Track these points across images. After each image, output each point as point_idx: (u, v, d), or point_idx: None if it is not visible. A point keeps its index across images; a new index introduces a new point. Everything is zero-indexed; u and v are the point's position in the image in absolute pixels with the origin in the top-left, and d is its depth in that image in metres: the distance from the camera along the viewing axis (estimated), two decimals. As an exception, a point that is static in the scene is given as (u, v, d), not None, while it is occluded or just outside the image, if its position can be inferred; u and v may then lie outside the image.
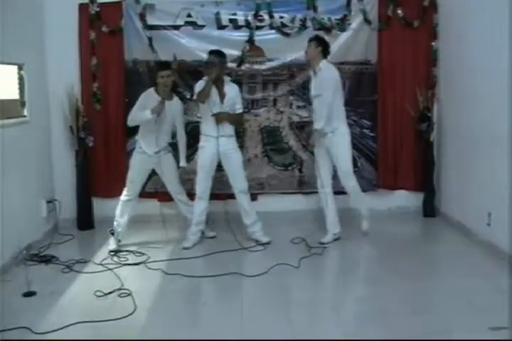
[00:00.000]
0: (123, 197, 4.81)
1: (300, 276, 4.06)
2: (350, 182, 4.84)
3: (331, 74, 4.64)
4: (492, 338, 2.93)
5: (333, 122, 4.68)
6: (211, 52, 4.71)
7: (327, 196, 4.89)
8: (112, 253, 4.58)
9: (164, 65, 4.85)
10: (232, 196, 5.01)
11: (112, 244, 4.71)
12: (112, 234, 4.75)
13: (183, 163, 4.91)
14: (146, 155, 4.73)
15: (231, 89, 4.73)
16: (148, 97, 4.65)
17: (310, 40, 4.77)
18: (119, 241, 4.74)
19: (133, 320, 3.31)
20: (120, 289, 3.76)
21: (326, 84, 4.59)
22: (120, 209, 4.80)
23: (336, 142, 4.72)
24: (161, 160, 4.77)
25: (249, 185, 4.97)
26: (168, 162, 4.84)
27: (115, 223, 4.78)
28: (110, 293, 3.70)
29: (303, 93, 5.60)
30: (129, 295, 3.66)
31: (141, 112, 4.57)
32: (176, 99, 4.82)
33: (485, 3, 4.53)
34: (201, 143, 4.79)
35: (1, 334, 3.10)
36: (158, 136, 4.69)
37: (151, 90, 4.71)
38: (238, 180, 4.79)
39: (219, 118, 4.65)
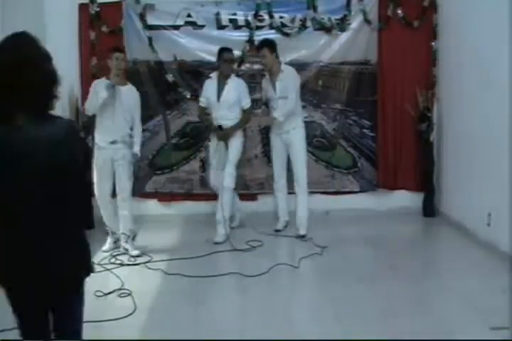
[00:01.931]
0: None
1: (300, 276, 4.06)
2: (304, 180, 4.99)
3: (295, 75, 4.90)
4: (492, 338, 2.93)
5: (295, 119, 4.90)
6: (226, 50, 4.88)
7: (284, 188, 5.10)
8: (106, 253, 4.57)
9: (118, 49, 4.59)
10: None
11: (106, 245, 4.70)
12: (107, 233, 4.74)
13: (136, 149, 4.55)
14: (101, 150, 4.48)
15: (232, 87, 4.82)
16: (100, 84, 4.43)
17: (260, 47, 4.84)
18: (115, 241, 4.71)
19: (133, 320, 3.31)
20: (120, 289, 3.76)
21: (292, 85, 4.82)
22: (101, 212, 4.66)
23: (296, 138, 4.92)
24: (118, 152, 4.47)
25: (248, 185, 5.00)
26: (125, 155, 4.52)
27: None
28: (110, 293, 3.71)
29: (303, 93, 5.60)
30: (129, 295, 3.66)
31: (95, 95, 4.37)
32: (130, 87, 4.56)
33: (485, 3, 4.53)
34: None
35: (1, 334, 3.09)
36: (113, 124, 4.42)
37: (102, 78, 4.52)
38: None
39: (221, 137, 4.87)
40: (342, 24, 5.51)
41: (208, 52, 5.42)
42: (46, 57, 1.83)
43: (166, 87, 5.53)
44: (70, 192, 1.85)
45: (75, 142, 1.90)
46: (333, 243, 4.77)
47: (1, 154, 1.74)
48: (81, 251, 1.96)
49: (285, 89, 4.79)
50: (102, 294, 3.67)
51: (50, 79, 1.80)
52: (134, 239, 4.67)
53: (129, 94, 4.54)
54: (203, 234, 5.07)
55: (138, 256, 4.50)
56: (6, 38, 1.80)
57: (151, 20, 5.43)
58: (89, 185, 2.16)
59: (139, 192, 5.32)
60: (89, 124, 4.78)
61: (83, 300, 2.04)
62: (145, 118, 5.44)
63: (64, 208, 1.85)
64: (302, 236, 4.89)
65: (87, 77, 5.42)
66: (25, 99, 1.76)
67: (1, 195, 1.78)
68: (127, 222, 4.57)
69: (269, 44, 4.84)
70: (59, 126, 1.83)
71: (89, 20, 5.38)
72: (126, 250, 4.56)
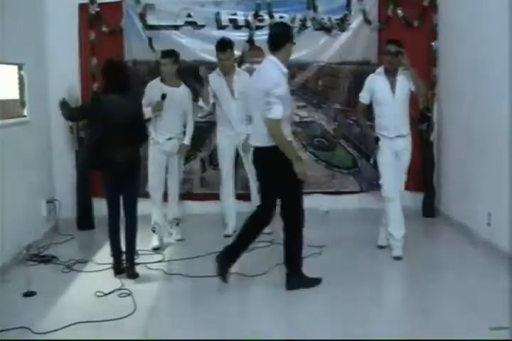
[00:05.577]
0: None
1: (300, 276, 4.04)
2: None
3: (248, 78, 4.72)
4: (492, 338, 2.93)
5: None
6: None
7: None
8: (156, 250, 4.64)
9: (165, 53, 4.71)
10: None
11: (154, 241, 4.76)
12: (153, 231, 4.79)
13: (187, 141, 4.83)
14: (158, 145, 4.69)
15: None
16: (152, 87, 4.67)
17: (225, 48, 4.70)
18: (161, 238, 4.81)
19: (133, 320, 3.31)
20: (120, 289, 3.76)
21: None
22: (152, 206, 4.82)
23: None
24: (173, 146, 4.73)
25: (248, 185, 5.01)
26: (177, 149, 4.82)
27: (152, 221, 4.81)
28: (110, 293, 3.70)
29: (303, 93, 5.61)
30: (129, 295, 3.66)
31: (144, 109, 4.51)
32: (182, 87, 4.76)
33: (485, 3, 4.53)
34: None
35: (1, 334, 3.10)
36: (167, 122, 4.66)
37: (156, 80, 4.71)
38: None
39: None
40: (342, 24, 5.51)
41: (208, 52, 5.42)
42: (126, 68, 4.36)
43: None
44: (135, 126, 3.92)
45: (138, 104, 4.13)
46: (333, 243, 4.77)
47: (97, 106, 3.92)
48: (138, 154, 4.06)
49: (242, 93, 4.57)
50: (102, 294, 3.67)
51: (127, 77, 4.01)
52: (178, 225, 4.99)
53: (180, 95, 4.71)
54: (203, 234, 5.08)
55: (180, 240, 4.95)
56: (109, 59, 4.11)
57: (151, 20, 5.44)
58: (145, 124, 4.19)
59: (139, 192, 5.31)
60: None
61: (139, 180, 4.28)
62: (145, 118, 5.45)
63: (133, 133, 3.90)
64: None
65: (87, 77, 5.44)
66: (115, 86, 3.89)
67: (102, 125, 3.87)
68: (176, 210, 4.94)
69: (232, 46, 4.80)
70: (130, 96, 3.96)
71: (89, 20, 5.39)
72: (171, 234, 4.97)
